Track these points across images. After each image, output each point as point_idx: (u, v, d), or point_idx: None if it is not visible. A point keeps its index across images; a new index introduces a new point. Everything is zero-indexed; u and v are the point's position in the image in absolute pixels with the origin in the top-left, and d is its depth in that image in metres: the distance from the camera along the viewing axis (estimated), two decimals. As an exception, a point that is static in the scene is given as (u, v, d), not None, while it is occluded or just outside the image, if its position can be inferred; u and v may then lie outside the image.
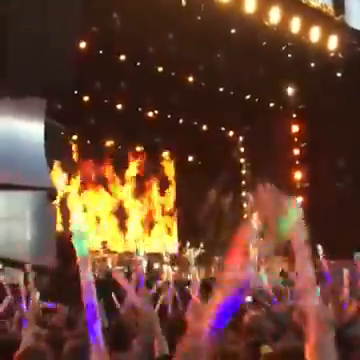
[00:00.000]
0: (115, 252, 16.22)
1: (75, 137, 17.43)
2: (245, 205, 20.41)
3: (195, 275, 6.39)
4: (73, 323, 5.62)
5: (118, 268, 13.86)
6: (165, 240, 18.73)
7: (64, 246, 12.32)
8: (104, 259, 14.68)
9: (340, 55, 15.49)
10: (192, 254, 15.36)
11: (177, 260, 16.30)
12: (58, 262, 10.54)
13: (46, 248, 10.91)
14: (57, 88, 10.17)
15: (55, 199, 12.19)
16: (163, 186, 19.96)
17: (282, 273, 14.79)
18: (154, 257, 15.79)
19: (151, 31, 13.38)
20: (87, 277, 2.02)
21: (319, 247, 7.82)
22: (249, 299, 7.02)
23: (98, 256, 14.77)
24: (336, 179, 16.78)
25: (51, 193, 11.17)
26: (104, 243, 16.14)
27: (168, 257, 16.19)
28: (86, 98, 16.30)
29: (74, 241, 2.04)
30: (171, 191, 20.09)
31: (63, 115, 12.92)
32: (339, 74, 15.92)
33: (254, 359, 3.62)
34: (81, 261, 2.02)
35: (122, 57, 14.87)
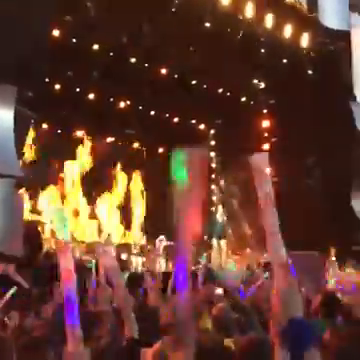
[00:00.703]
0: (83, 242, 16.13)
1: (45, 126, 17.29)
2: (214, 198, 20.48)
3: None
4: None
5: (85, 258, 13.79)
6: (134, 231, 18.68)
7: (31, 234, 12.26)
8: (72, 249, 14.55)
9: (312, 53, 15.59)
10: (160, 245, 15.36)
11: (145, 251, 16.31)
12: (25, 251, 10.45)
13: (13, 236, 10.75)
14: (29, 74, 10.06)
15: (22, 187, 12.06)
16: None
17: (249, 267, 14.89)
18: (123, 248, 15.75)
19: (125, 22, 13.33)
20: (67, 264, 1.85)
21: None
22: (219, 291, 7.08)
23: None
24: (306, 175, 16.95)
25: (19, 181, 11.07)
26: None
27: (137, 248, 16.19)
28: (58, 86, 16.17)
29: (57, 226, 1.88)
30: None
31: (34, 103, 12.79)
32: (310, 71, 16.04)
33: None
34: (58, 248, 1.86)
35: (95, 47, 14.78)
